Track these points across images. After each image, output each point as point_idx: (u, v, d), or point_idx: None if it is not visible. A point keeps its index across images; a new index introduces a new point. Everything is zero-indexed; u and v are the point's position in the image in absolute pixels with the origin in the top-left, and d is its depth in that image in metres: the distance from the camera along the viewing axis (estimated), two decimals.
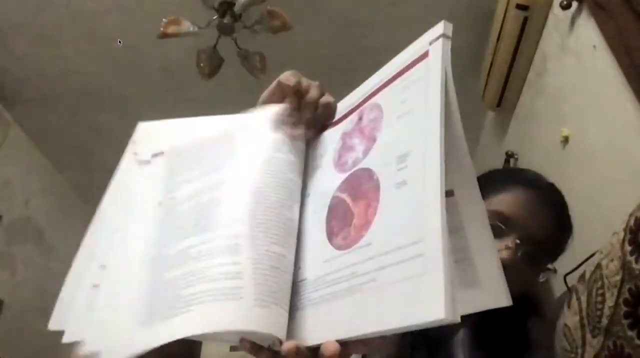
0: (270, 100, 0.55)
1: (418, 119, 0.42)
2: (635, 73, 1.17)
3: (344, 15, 2.43)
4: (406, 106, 0.45)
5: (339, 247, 0.44)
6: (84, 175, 3.36)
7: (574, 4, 1.55)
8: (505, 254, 0.64)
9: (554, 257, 0.75)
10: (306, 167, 0.54)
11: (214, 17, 2.21)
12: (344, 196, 0.47)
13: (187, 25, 2.21)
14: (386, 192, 0.42)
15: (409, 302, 0.35)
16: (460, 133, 0.43)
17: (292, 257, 0.47)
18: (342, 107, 0.55)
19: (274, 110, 0.54)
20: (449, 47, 0.43)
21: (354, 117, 0.52)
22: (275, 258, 0.46)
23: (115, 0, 2.37)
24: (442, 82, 0.41)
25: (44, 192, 3.40)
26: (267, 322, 0.42)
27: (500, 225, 0.66)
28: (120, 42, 2.54)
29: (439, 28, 0.44)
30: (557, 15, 1.73)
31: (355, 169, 0.47)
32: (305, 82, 0.54)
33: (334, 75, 2.62)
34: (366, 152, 0.47)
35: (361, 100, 0.52)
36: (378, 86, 0.50)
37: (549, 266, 0.73)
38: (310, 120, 0.54)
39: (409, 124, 0.43)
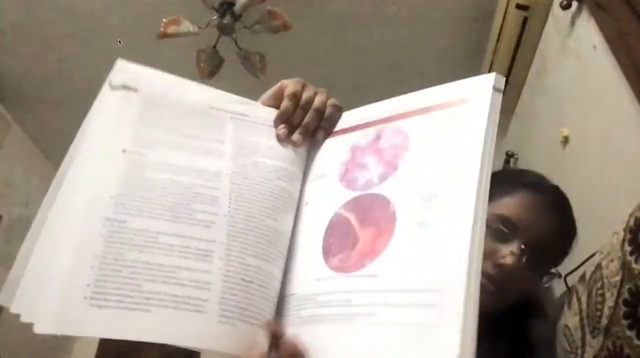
0: (269, 102, 0.54)
1: (454, 164, 0.41)
2: (635, 73, 1.17)
3: (344, 15, 2.43)
4: (440, 145, 0.43)
5: (334, 268, 0.42)
6: None
7: (574, 4, 1.55)
8: (510, 260, 0.63)
9: (558, 261, 0.74)
10: (307, 173, 0.52)
11: (214, 17, 2.21)
12: (350, 216, 0.44)
13: (187, 25, 2.21)
14: (403, 228, 0.40)
15: (413, 351, 0.33)
16: (487, 190, 0.39)
17: (275, 270, 0.45)
18: (353, 117, 0.52)
19: (270, 111, 0.53)
20: (499, 101, 0.41)
21: (369, 132, 0.49)
22: (250, 271, 0.43)
23: (115, 0, 2.37)
24: (486, 135, 0.40)
25: (44, 192, 3.40)
26: (229, 340, 0.40)
27: (504, 230, 0.65)
28: (120, 42, 2.54)
29: (490, 79, 0.42)
30: (557, 15, 1.73)
31: (368, 191, 0.45)
32: (310, 89, 0.54)
33: (333, 76, 2.61)
34: (383, 178, 0.45)
35: (380, 118, 0.49)
36: (404, 111, 0.48)
37: (553, 270, 0.72)
38: (313, 125, 0.53)
39: (442, 165, 0.41)
